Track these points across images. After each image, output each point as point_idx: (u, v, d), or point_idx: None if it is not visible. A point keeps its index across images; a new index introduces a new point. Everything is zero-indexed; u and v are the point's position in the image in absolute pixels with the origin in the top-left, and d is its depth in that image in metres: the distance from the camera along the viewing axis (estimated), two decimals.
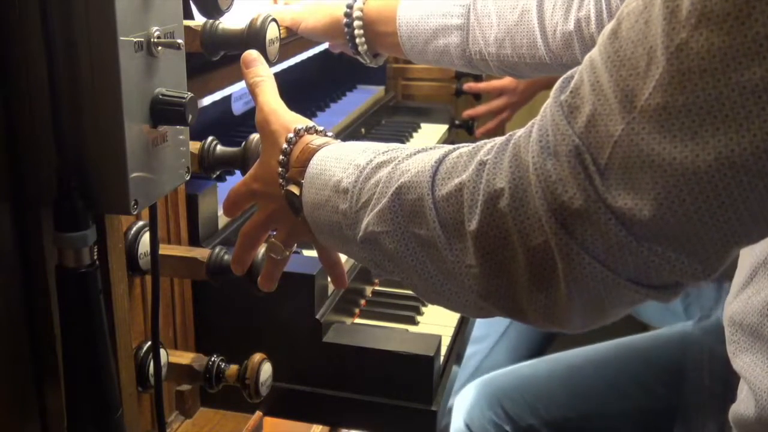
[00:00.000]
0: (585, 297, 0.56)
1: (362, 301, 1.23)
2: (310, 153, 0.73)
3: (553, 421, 1.32)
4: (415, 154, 0.67)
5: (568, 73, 0.57)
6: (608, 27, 0.55)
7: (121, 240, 0.77)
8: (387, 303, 1.23)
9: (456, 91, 1.98)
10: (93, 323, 0.67)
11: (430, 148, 0.67)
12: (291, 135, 0.75)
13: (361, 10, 1.14)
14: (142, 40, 0.64)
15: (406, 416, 1.02)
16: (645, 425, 1.32)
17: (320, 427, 1.10)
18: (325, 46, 1.29)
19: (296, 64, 1.35)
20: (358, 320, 1.18)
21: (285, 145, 0.75)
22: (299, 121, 0.77)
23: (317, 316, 1.02)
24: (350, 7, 1.14)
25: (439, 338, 1.04)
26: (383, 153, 0.69)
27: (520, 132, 0.59)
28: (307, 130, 0.77)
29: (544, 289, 0.57)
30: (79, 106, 0.63)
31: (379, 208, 0.65)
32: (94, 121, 0.63)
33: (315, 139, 0.75)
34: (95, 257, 0.67)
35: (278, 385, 0.98)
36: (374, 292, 1.27)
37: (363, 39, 1.15)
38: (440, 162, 0.63)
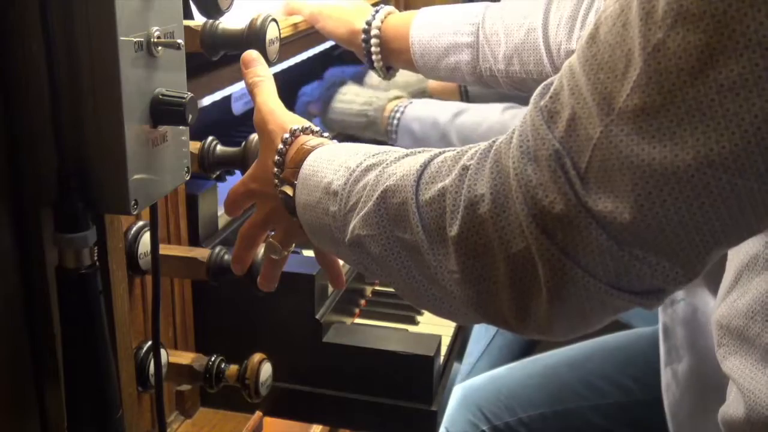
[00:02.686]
0: (567, 304, 0.55)
1: (362, 301, 1.23)
2: (304, 154, 0.73)
3: (529, 420, 1.33)
4: (403, 157, 0.66)
5: (548, 80, 0.57)
6: (586, 32, 0.55)
7: (121, 240, 0.77)
8: (387, 303, 1.23)
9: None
10: (93, 324, 0.67)
11: (419, 152, 0.66)
12: (287, 135, 0.76)
13: (379, 29, 1.18)
14: (142, 40, 0.64)
15: (406, 416, 1.02)
16: (621, 421, 1.33)
17: (320, 427, 1.10)
18: (324, 46, 1.29)
19: (296, 64, 1.35)
20: (358, 320, 1.18)
21: (280, 146, 0.75)
22: (296, 122, 0.77)
23: (317, 316, 1.02)
24: (369, 24, 1.19)
25: (439, 338, 1.04)
26: (373, 155, 0.68)
27: (501, 138, 0.58)
28: (303, 130, 0.77)
29: (526, 296, 0.56)
30: (79, 106, 0.63)
31: (365, 212, 0.65)
32: (94, 121, 0.63)
33: (310, 140, 0.75)
34: (95, 258, 0.67)
35: (278, 385, 0.98)
36: (374, 292, 1.27)
37: (379, 56, 1.20)
38: (425, 166, 0.63)
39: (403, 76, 1.66)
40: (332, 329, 1.05)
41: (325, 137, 0.78)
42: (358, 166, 0.68)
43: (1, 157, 0.64)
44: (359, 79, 1.65)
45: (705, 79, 0.47)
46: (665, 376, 0.80)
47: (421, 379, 1.01)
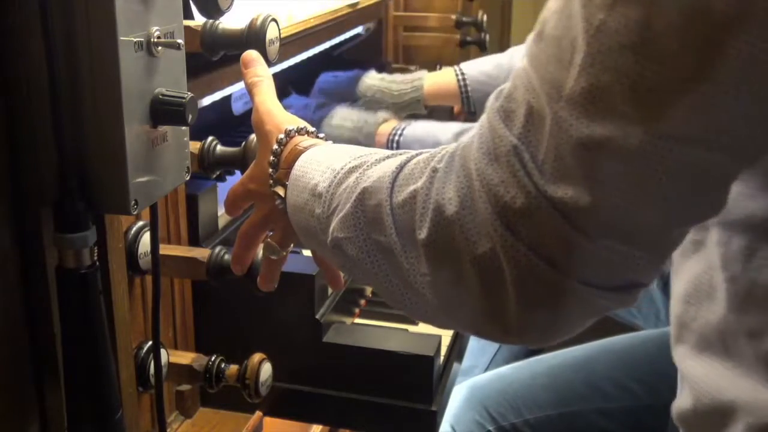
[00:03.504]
0: (537, 305, 0.55)
1: (362, 301, 1.23)
2: (296, 155, 0.73)
3: (535, 420, 1.33)
4: (384, 159, 0.66)
5: (502, 85, 0.58)
6: (532, 33, 0.55)
7: (121, 240, 0.77)
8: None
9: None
10: (93, 324, 0.67)
11: (399, 153, 0.66)
12: (282, 136, 0.76)
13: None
14: (142, 40, 0.64)
15: (406, 416, 1.02)
16: (626, 425, 1.32)
17: (320, 427, 1.10)
18: (324, 46, 1.29)
19: (296, 64, 1.35)
20: (358, 320, 1.18)
21: (275, 146, 0.75)
22: (292, 122, 0.77)
23: (317, 316, 1.02)
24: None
25: (439, 338, 1.04)
26: (357, 157, 0.68)
27: (465, 140, 0.59)
28: (298, 131, 0.77)
29: (495, 299, 0.56)
30: (79, 106, 0.63)
31: (343, 214, 0.65)
32: (94, 121, 0.63)
33: (303, 141, 0.75)
34: (95, 258, 0.67)
35: (278, 385, 0.98)
36: (374, 292, 1.27)
37: None
38: (401, 168, 0.63)
39: (398, 84, 1.66)
40: (332, 329, 1.05)
41: (320, 138, 0.78)
42: (342, 168, 0.68)
43: (1, 157, 0.64)
44: (351, 87, 1.65)
45: (647, 53, 0.48)
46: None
47: (421, 379, 1.01)
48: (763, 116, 0.49)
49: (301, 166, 0.72)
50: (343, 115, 1.54)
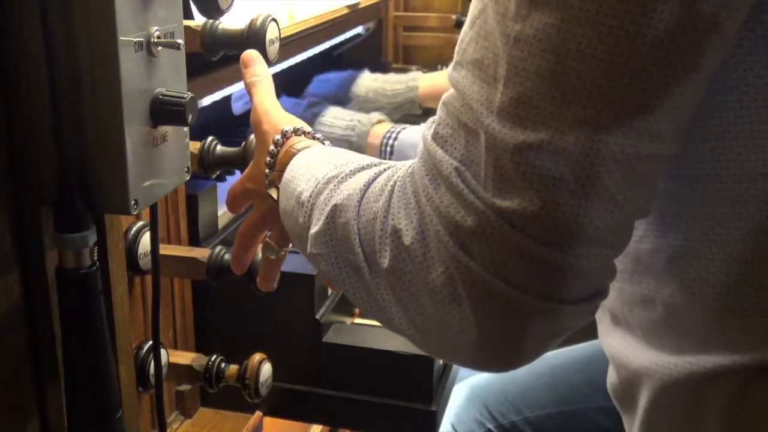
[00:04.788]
0: (496, 328, 0.54)
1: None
2: (289, 157, 0.73)
3: (536, 419, 1.32)
4: (359, 170, 0.65)
5: (431, 118, 0.58)
6: (450, 66, 0.56)
7: (121, 240, 0.77)
8: None
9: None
10: (93, 324, 0.67)
11: (374, 164, 0.65)
12: (278, 137, 0.76)
13: None
14: (142, 40, 0.64)
15: (406, 416, 1.02)
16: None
17: (320, 427, 1.10)
18: (324, 46, 1.29)
19: (296, 64, 1.35)
20: (358, 320, 1.18)
21: (272, 147, 0.75)
22: (289, 122, 0.77)
23: (317, 316, 1.02)
24: None
25: None
26: (336, 167, 0.67)
27: (414, 164, 0.58)
28: (295, 131, 0.76)
29: (454, 323, 0.55)
30: (79, 106, 0.63)
31: (316, 230, 0.64)
32: (94, 121, 0.63)
33: (298, 143, 0.75)
34: (95, 258, 0.67)
35: (278, 385, 0.98)
36: None
37: None
38: (368, 185, 0.62)
39: (392, 83, 1.65)
40: (332, 329, 1.05)
41: (318, 138, 0.77)
42: (322, 178, 0.67)
43: (1, 157, 0.64)
44: (346, 88, 1.65)
45: (567, 53, 0.48)
46: None
47: (421, 379, 1.01)
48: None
49: (291, 170, 0.72)
50: (335, 114, 1.54)
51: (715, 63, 0.51)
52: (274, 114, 0.78)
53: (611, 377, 0.77)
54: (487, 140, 0.51)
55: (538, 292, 0.52)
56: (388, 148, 1.47)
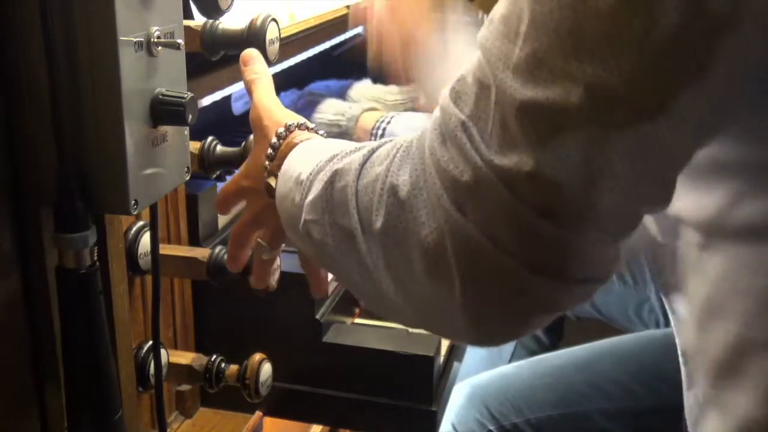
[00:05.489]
0: (482, 292, 0.53)
1: (362, 301, 1.23)
2: (290, 148, 0.74)
3: (536, 420, 1.32)
4: (363, 148, 0.65)
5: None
6: (484, 25, 0.56)
7: (121, 240, 0.77)
8: None
9: None
10: (93, 324, 0.67)
11: (382, 143, 0.65)
12: (281, 130, 0.76)
13: None
14: (142, 40, 0.64)
15: (406, 416, 1.02)
16: (628, 426, 1.32)
17: (320, 427, 1.10)
18: (324, 46, 1.29)
19: (296, 64, 1.35)
20: (358, 320, 1.18)
21: (274, 140, 0.76)
22: (291, 118, 0.78)
23: (317, 316, 1.02)
24: None
25: (439, 338, 1.04)
26: (341, 149, 0.67)
27: (426, 126, 0.58)
28: (298, 126, 0.77)
29: (442, 286, 0.54)
30: (79, 106, 0.63)
31: (313, 197, 0.64)
32: (94, 121, 0.63)
33: (299, 135, 0.76)
34: (95, 258, 0.67)
35: (278, 385, 0.98)
36: None
37: None
38: (372, 151, 0.62)
39: (393, 94, 1.65)
40: (332, 329, 1.05)
41: (321, 134, 0.78)
42: (325, 158, 0.67)
43: (1, 157, 0.64)
44: (342, 95, 1.64)
45: (586, 9, 0.47)
46: (687, 399, 0.79)
47: (421, 379, 1.01)
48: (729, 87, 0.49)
49: (291, 157, 0.73)
50: (329, 102, 1.53)
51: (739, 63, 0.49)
52: (275, 111, 0.79)
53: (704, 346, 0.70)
54: (497, 94, 0.51)
55: (525, 261, 0.51)
56: (380, 131, 1.44)
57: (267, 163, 0.76)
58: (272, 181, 0.74)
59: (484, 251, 0.51)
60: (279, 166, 0.74)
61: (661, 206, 0.54)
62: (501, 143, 0.51)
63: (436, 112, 0.57)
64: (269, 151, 0.76)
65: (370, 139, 1.44)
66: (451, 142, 0.53)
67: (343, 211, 0.62)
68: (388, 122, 1.45)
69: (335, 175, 0.63)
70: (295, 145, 0.74)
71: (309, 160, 0.70)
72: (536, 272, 0.51)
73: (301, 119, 0.78)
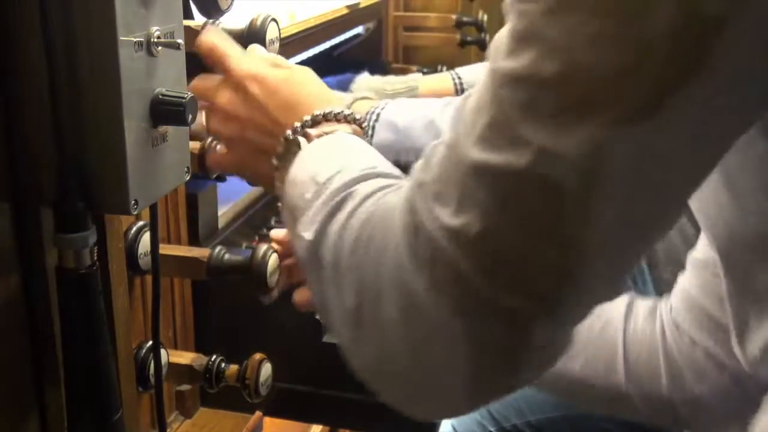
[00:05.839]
0: (419, 339, 0.52)
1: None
2: (331, 131, 0.71)
3: (536, 422, 1.32)
4: (373, 192, 0.61)
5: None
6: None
7: (121, 240, 0.77)
8: None
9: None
10: (93, 324, 0.67)
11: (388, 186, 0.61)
12: (340, 110, 0.73)
13: None
14: (142, 40, 0.64)
15: (406, 416, 1.01)
16: (631, 427, 1.32)
17: (320, 427, 1.11)
18: (324, 46, 1.29)
19: (296, 64, 1.35)
20: None
21: (333, 109, 0.73)
22: (339, 104, 0.75)
23: (317, 316, 1.02)
24: None
25: None
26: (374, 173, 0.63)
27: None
28: (356, 121, 0.74)
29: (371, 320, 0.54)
30: (79, 106, 0.63)
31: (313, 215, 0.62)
32: (94, 121, 0.63)
33: (339, 127, 0.72)
34: (95, 258, 0.67)
35: (278, 385, 0.98)
36: None
37: None
38: (382, 189, 0.60)
39: (392, 84, 1.64)
40: None
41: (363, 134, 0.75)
42: (331, 185, 0.63)
43: (1, 157, 0.64)
44: (345, 88, 1.64)
45: (534, 80, 0.46)
46: None
47: None
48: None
49: (322, 143, 0.69)
50: None
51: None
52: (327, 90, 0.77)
53: None
54: (455, 156, 0.50)
55: (455, 304, 0.49)
56: (374, 116, 1.39)
57: (297, 124, 0.72)
58: (297, 147, 0.70)
59: (417, 286, 0.50)
60: (311, 139, 0.70)
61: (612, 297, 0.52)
62: (454, 203, 0.49)
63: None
64: (318, 112, 0.72)
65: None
66: (413, 202, 0.52)
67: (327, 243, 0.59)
68: (383, 108, 1.42)
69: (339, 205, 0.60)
70: (333, 132, 0.71)
71: (331, 161, 0.66)
72: (466, 318, 0.49)
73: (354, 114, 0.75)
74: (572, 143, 0.45)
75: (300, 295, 0.85)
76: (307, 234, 0.61)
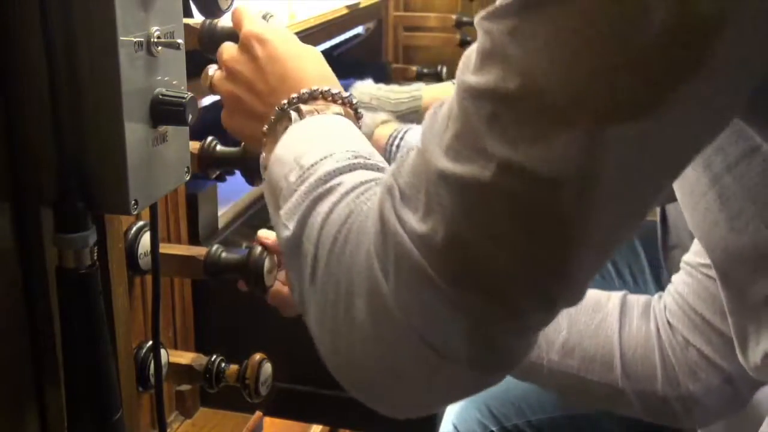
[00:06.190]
0: (387, 340, 0.53)
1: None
2: (324, 111, 0.70)
3: (538, 421, 1.32)
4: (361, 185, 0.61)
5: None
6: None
7: (121, 240, 0.77)
8: None
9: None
10: (93, 324, 0.67)
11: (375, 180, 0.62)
12: (337, 91, 0.72)
13: None
14: (142, 40, 0.64)
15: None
16: (632, 428, 1.32)
17: (320, 427, 1.10)
18: (324, 46, 1.29)
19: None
20: None
21: (328, 88, 0.72)
22: (337, 86, 0.74)
23: None
24: None
25: None
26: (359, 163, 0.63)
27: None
28: (352, 105, 0.74)
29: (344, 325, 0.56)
30: (79, 106, 0.63)
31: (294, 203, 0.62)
32: (94, 121, 0.63)
33: (332, 108, 0.71)
34: (95, 258, 0.67)
35: (278, 385, 0.98)
36: None
37: None
38: (363, 184, 0.60)
39: (395, 93, 1.65)
40: None
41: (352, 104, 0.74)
42: (316, 172, 0.63)
43: (1, 157, 0.64)
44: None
45: (500, 96, 0.47)
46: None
47: None
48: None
49: (315, 123, 0.69)
50: None
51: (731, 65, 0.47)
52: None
53: None
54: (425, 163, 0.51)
55: (419, 324, 0.51)
56: (394, 148, 1.45)
57: (293, 95, 0.71)
58: (288, 122, 0.70)
59: (386, 304, 0.51)
60: (303, 114, 0.69)
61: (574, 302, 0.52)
62: (422, 209, 0.50)
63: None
64: (316, 88, 0.71)
65: (384, 154, 1.44)
66: (384, 203, 0.53)
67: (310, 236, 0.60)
68: (401, 138, 1.44)
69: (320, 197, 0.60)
70: (325, 111, 0.70)
71: (318, 144, 0.65)
72: (427, 343, 0.51)
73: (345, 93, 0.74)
74: (535, 157, 0.46)
75: (274, 295, 0.88)
76: (290, 223, 0.61)
